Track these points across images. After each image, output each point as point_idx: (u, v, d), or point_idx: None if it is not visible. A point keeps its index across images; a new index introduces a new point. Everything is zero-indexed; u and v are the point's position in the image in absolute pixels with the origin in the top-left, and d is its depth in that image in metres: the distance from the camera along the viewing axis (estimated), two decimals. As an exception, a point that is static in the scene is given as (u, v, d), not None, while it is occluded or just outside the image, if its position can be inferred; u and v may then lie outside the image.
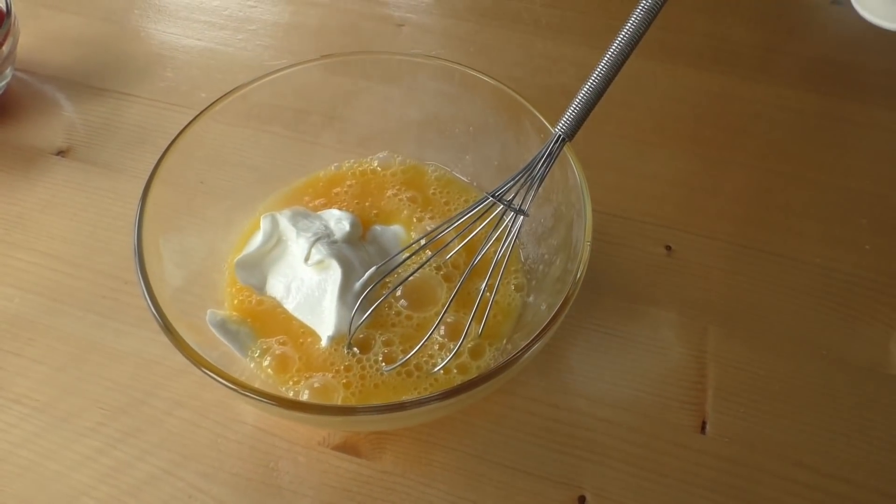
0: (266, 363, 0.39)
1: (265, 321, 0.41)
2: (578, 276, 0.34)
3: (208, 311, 0.40)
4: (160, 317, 0.34)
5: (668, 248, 0.49)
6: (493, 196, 0.38)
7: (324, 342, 0.39)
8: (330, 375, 0.39)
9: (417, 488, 0.39)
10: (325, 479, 0.39)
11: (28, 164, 0.54)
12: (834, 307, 0.46)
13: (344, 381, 0.39)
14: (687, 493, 0.38)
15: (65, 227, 0.50)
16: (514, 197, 0.38)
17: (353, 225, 0.43)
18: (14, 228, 0.50)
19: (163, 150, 0.39)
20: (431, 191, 0.48)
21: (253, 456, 0.40)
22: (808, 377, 0.43)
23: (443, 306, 0.41)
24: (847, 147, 0.56)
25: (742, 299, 0.46)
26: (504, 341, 0.41)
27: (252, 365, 0.39)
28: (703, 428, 0.41)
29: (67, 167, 0.54)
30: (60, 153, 0.54)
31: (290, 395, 0.38)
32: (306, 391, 0.38)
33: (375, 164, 0.49)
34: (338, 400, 0.37)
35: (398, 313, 0.41)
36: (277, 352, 0.39)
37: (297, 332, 0.41)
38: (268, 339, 0.40)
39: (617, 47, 0.34)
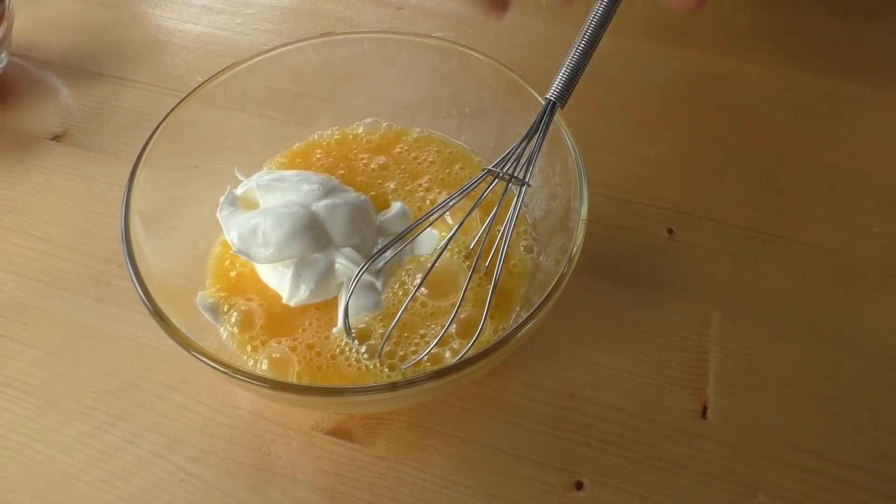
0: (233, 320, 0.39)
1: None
2: (573, 254, 0.33)
3: (199, 294, 0.39)
4: (148, 300, 0.33)
5: (671, 231, 0.48)
6: (493, 170, 0.37)
7: (334, 330, 0.39)
8: (294, 356, 0.38)
9: (412, 474, 0.38)
10: (318, 463, 0.38)
11: (23, 149, 0.53)
12: (840, 291, 0.45)
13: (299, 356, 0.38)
14: (687, 479, 0.37)
15: (59, 212, 0.50)
16: (513, 170, 0.37)
17: (402, 215, 0.42)
18: (8, 213, 0.49)
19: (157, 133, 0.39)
20: (398, 149, 0.47)
21: (245, 440, 0.39)
22: (814, 362, 0.42)
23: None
24: (855, 129, 0.54)
25: (746, 283, 0.45)
26: (518, 307, 0.40)
27: (225, 335, 0.38)
28: (703, 413, 0.40)
29: (63, 152, 0.53)
30: (56, 138, 0.54)
31: (251, 363, 0.37)
32: (265, 361, 0.37)
33: (360, 131, 0.48)
34: (293, 374, 0.37)
35: (415, 300, 0.39)
36: (243, 307, 0.39)
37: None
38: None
39: (599, 8, 0.34)
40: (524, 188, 0.36)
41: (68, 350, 0.43)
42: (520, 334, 0.32)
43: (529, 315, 0.32)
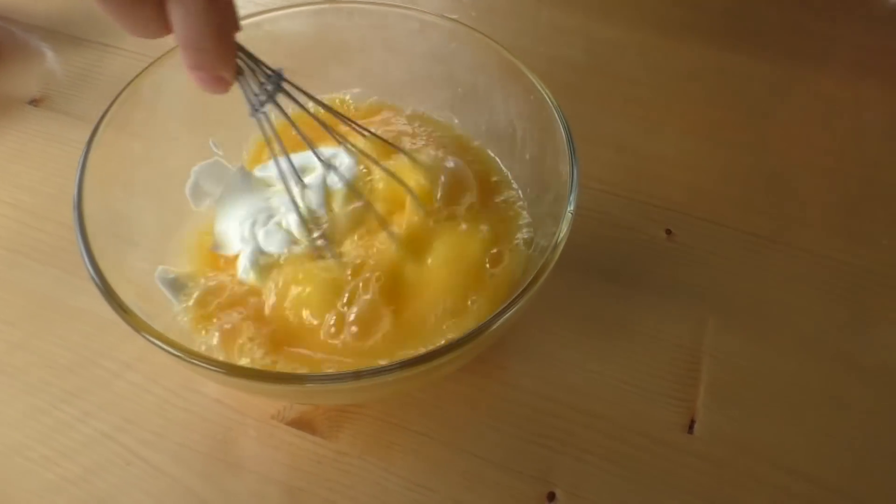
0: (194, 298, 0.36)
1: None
2: (558, 241, 0.31)
3: (158, 268, 0.37)
4: (97, 275, 0.32)
5: (669, 231, 0.45)
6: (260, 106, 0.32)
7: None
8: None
9: (374, 472, 0.36)
10: (276, 455, 0.36)
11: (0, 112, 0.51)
12: (845, 304, 0.42)
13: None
14: (666, 496, 0.35)
15: (32, 178, 0.48)
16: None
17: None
18: (-21, 176, 0.48)
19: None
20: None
21: (201, 426, 0.37)
22: (813, 378, 0.39)
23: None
24: (870, 136, 0.51)
25: (745, 291, 0.43)
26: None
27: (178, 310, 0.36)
28: (690, 427, 0.37)
29: (41, 116, 0.51)
30: (34, 102, 0.52)
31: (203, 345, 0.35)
32: (216, 333, 0.35)
33: (348, 98, 0.46)
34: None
35: None
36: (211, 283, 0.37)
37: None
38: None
39: None
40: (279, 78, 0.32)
41: (27, 321, 0.41)
42: (493, 327, 0.29)
43: (506, 306, 0.30)
